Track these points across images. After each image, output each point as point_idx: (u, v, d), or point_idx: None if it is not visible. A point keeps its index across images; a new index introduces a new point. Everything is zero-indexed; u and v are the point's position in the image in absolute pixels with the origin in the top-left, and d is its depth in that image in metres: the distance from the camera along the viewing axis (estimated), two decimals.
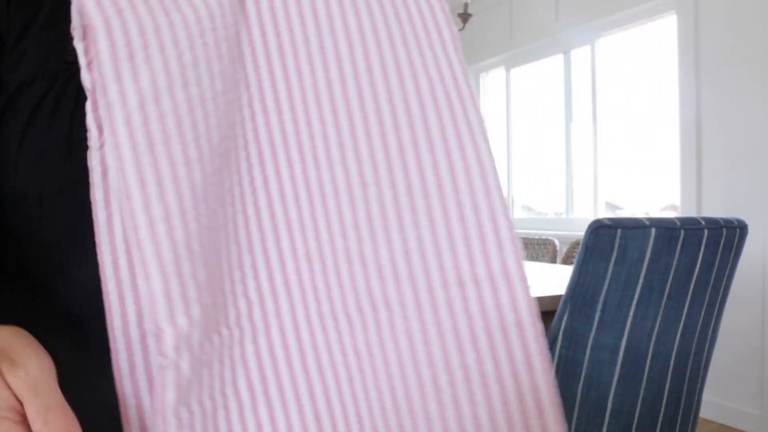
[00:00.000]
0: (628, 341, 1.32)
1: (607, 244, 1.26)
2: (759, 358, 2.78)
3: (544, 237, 3.27)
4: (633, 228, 1.26)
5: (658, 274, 1.30)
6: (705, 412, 2.96)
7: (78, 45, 0.36)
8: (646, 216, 1.96)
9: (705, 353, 1.49)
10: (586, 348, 1.32)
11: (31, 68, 0.41)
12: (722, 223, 1.37)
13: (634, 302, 1.30)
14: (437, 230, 0.42)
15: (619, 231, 1.25)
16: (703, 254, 1.35)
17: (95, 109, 0.36)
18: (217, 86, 0.39)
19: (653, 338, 1.34)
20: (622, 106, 3.69)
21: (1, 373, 0.33)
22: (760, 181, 2.76)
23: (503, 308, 0.42)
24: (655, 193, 3.54)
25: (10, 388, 0.32)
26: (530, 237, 3.34)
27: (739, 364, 2.86)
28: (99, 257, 0.37)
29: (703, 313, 1.43)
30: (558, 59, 4.13)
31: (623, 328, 1.31)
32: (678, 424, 1.47)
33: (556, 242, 3.13)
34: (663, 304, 1.33)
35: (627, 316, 1.31)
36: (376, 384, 0.41)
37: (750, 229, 2.75)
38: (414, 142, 0.43)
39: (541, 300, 1.60)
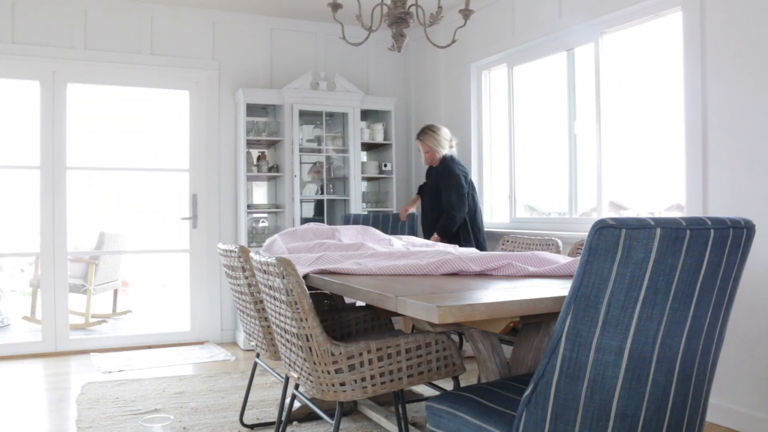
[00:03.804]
0: (632, 343, 1.30)
1: (612, 245, 1.24)
2: None
3: (547, 237, 3.25)
4: (638, 228, 1.24)
5: (663, 275, 1.27)
6: (712, 415, 2.93)
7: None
8: (650, 216, 1.93)
9: (711, 355, 1.47)
10: (589, 350, 1.30)
11: None
12: (729, 223, 1.35)
13: (639, 303, 1.28)
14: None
15: (623, 231, 1.24)
16: (710, 255, 1.32)
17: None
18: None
19: (658, 340, 1.32)
20: (626, 104, 3.66)
21: None
22: None
23: None
24: (660, 192, 3.52)
25: None
26: (533, 237, 3.32)
27: (749, 366, 2.83)
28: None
29: (709, 314, 1.40)
30: (561, 57, 4.10)
31: (628, 329, 1.29)
32: (684, 427, 1.44)
33: (560, 242, 3.11)
34: (668, 306, 1.31)
35: (631, 317, 1.28)
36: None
37: (757, 229, 2.71)
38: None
39: (543, 301, 1.59)
